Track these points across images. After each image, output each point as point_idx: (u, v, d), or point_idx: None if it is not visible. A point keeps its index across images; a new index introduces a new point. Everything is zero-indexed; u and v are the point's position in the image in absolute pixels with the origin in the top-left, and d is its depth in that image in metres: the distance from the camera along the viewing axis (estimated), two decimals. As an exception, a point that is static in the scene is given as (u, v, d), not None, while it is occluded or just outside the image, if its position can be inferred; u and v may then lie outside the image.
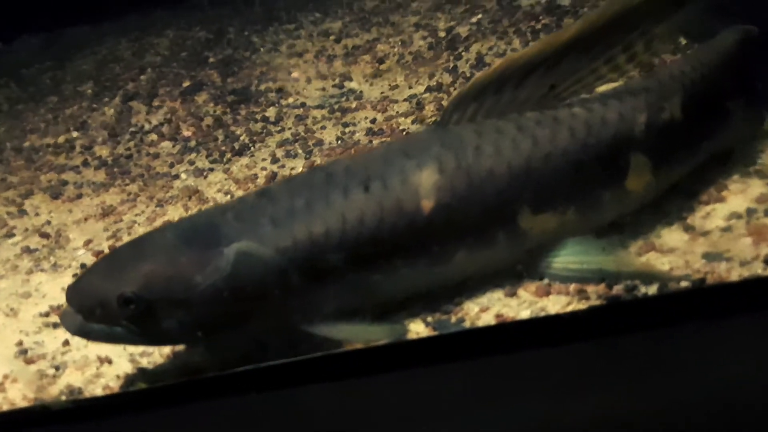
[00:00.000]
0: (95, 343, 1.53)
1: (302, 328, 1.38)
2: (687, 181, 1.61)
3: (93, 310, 1.38)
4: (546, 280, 1.45)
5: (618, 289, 1.39)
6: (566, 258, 1.44)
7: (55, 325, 1.69)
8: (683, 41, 2.25)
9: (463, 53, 2.68)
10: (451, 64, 2.61)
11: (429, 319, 1.45)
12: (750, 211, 1.52)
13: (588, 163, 1.47)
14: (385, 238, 1.40)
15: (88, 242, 1.99)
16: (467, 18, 3.00)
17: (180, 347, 1.55)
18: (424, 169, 1.42)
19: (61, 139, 2.64)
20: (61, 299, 1.77)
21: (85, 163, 2.46)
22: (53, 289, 1.80)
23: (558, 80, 1.48)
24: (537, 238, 1.46)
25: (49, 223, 2.15)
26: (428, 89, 2.49)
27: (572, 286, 1.42)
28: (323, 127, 2.41)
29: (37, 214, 2.21)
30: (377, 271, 1.41)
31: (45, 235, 2.07)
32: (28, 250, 2.00)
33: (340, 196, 1.41)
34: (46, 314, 1.72)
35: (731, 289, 1.33)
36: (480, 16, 2.99)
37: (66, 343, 1.62)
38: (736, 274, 1.34)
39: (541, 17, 2.84)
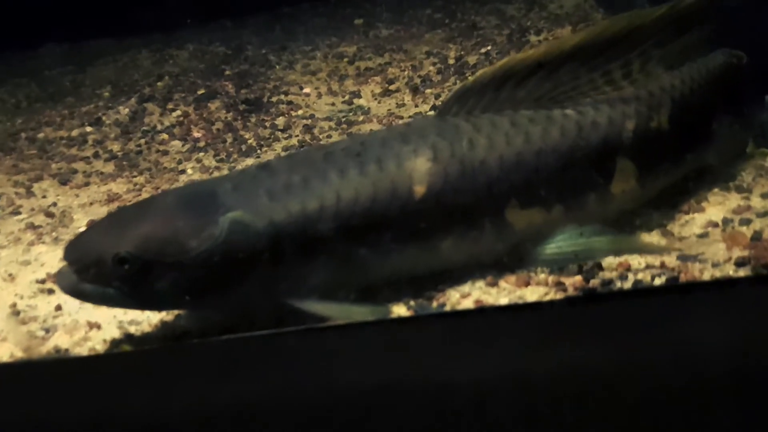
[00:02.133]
0: (88, 304, 1.58)
1: (289, 301, 1.42)
2: (669, 193, 1.67)
3: (88, 268, 1.42)
4: (526, 270, 1.49)
5: (594, 282, 1.44)
6: (549, 246, 1.48)
7: (50, 291, 1.74)
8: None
9: (470, 78, 2.76)
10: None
11: (411, 303, 1.49)
12: (726, 221, 1.59)
13: (576, 163, 1.52)
14: (377, 219, 1.44)
15: (91, 222, 2.05)
16: (477, 49, 3.10)
17: (168, 317, 1.59)
18: (419, 156, 1.47)
19: (74, 133, 2.72)
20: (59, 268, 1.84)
21: (96, 155, 2.54)
22: (52, 259, 1.85)
23: (556, 84, 1.54)
24: (522, 232, 1.51)
25: (55, 204, 2.21)
26: (433, 108, 2.57)
27: (551, 278, 1.47)
28: (329, 137, 2.49)
29: (44, 197, 2.28)
30: (366, 250, 1.45)
31: (50, 215, 2.13)
32: (32, 226, 2.06)
33: (337, 175, 1.46)
34: (43, 281, 1.77)
35: (703, 287, 1.38)
36: (489, 47, 3.09)
37: (58, 308, 1.67)
38: (708, 275, 1.39)
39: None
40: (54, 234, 1.99)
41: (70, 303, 1.68)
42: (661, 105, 1.62)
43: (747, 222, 1.58)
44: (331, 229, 1.42)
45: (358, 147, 1.51)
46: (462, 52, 3.08)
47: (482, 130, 1.51)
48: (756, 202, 1.68)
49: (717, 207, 1.64)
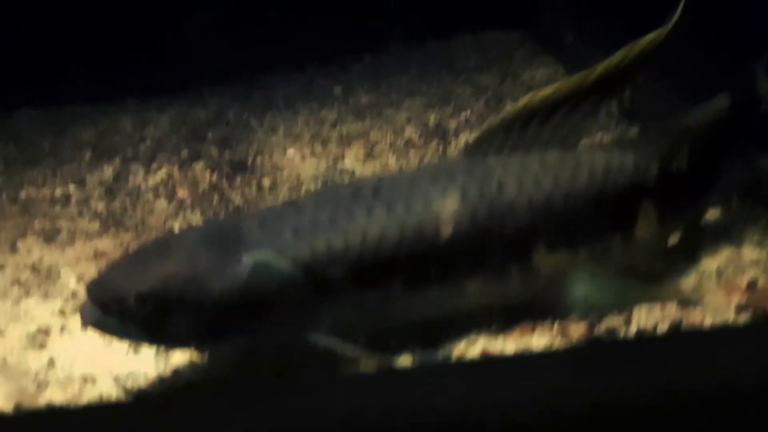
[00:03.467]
0: (81, 359, 1.56)
1: (312, 341, 1.42)
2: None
3: (110, 306, 1.43)
4: (553, 319, 1.49)
5: (599, 330, 1.46)
6: (577, 293, 1.50)
7: (41, 346, 1.70)
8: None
9: (452, 141, 2.84)
10: (440, 150, 2.77)
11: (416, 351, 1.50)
12: (720, 270, 1.64)
13: (603, 206, 1.55)
14: (403, 261, 1.45)
15: (79, 277, 2.02)
16: (456, 115, 3.19)
17: (166, 370, 1.56)
18: (448, 196, 1.49)
19: (57, 192, 2.69)
20: (50, 323, 1.80)
21: (80, 214, 2.52)
22: (42, 313, 1.82)
23: (580, 118, 1.56)
24: (549, 276, 1.52)
25: (41, 261, 2.17)
26: (418, 169, 2.63)
27: (555, 326, 1.48)
28: (317, 197, 2.52)
29: (29, 253, 2.24)
30: (391, 292, 1.46)
31: (36, 271, 2.10)
32: (18, 282, 2.02)
33: (364, 214, 1.47)
34: (33, 336, 1.73)
35: (706, 334, 1.40)
36: (468, 112, 3.18)
37: (51, 362, 1.63)
38: (709, 320, 1.42)
39: (525, 118, 3.04)
40: (42, 288, 1.96)
41: (63, 357, 1.66)
42: (681, 147, 1.64)
43: (741, 271, 1.63)
44: (355, 270, 1.43)
45: (386, 186, 1.52)
46: (441, 118, 3.16)
47: (511, 171, 1.52)
48: (747, 251, 1.73)
49: (709, 257, 1.68)
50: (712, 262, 1.68)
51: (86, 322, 1.48)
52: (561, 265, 1.53)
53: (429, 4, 4.09)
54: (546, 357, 1.42)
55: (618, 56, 1.61)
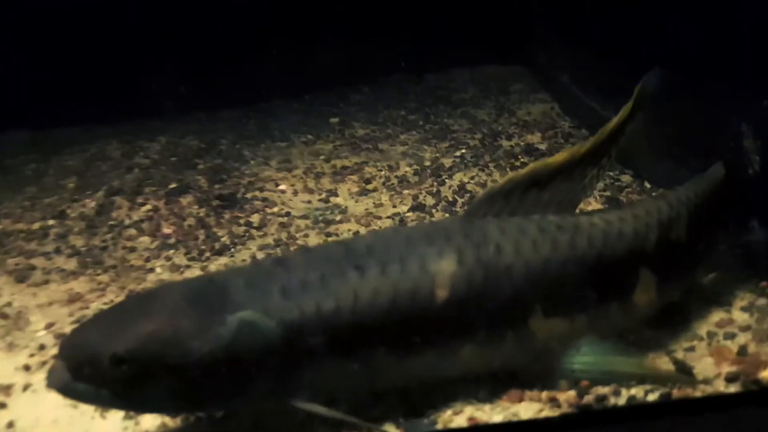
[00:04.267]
0: (44, 421, 1.44)
1: (296, 404, 1.32)
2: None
3: (82, 367, 1.31)
4: (548, 387, 1.42)
5: (588, 398, 1.38)
6: (572, 361, 1.43)
7: (2, 406, 1.57)
8: (647, 185, 2.47)
9: (446, 180, 2.74)
10: (435, 189, 2.65)
11: (401, 420, 1.39)
12: (710, 334, 1.61)
13: (601, 273, 1.49)
14: (396, 323, 1.37)
15: (49, 325, 1.90)
16: (451, 152, 3.10)
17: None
18: (444, 259, 1.41)
19: (35, 226, 2.57)
20: (13, 378, 1.68)
21: (57, 251, 2.39)
22: (6, 368, 1.69)
23: (576, 184, 1.55)
24: (544, 342, 1.44)
25: (9, 304, 2.05)
26: (411, 209, 2.52)
27: (544, 394, 1.40)
28: (306, 235, 2.40)
29: (-1, 295, 2.13)
30: (383, 354, 1.37)
31: (4, 316, 1.98)
32: (-16, 329, 1.90)
33: (356, 274, 1.38)
34: (-6, 392, 1.61)
35: (696, 404, 1.33)
36: (464, 150, 3.09)
37: (10, 425, 1.51)
38: (699, 391, 1.39)
39: (519, 156, 2.96)
40: (8, 338, 1.84)
41: (24, 419, 1.53)
42: (680, 217, 1.62)
43: (731, 336, 1.59)
44: (346, 331, 1.33)
45: (381, 245, 1.44)
46: (437, 154, 3.06)
47: (509, 235, 1.46)
48: (737, 315, 1.70)
49: (700, 320, 1.65)
50: (703, 326, 1.65)
51: (54, 387, 1.35)
52: (557, 332, 1.45)
53: (429, 37, 4.04)
54: (535, 425, 1.33)
55: (599, 134, 1.60)
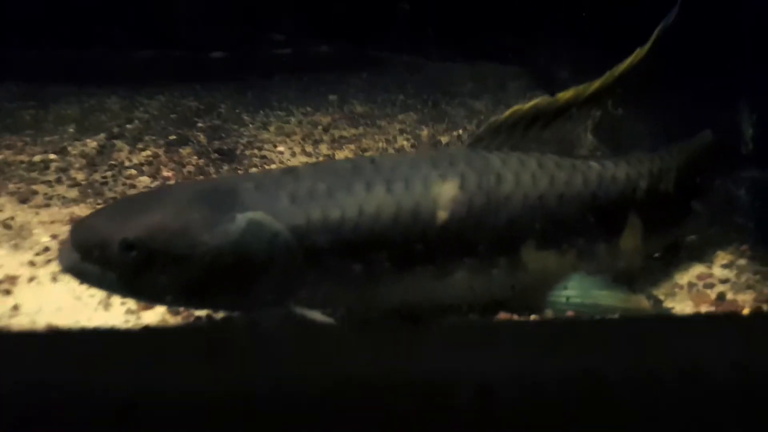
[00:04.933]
0: (47, 306, 1.47)
1: (294, 310, 1.35)
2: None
3: (92, 250, 1.35)
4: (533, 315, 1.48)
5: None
6: (560, 293, 1.51)
7: (6, 292, 1.60)
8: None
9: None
10: (434, 160, 2.73)
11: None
12: (691, 284, 1.72)
13: (594, 212, 1.56)
14: (396, 239, 1.42)
15: (53, 236, 1.93)
16: (449, 132, 3.17)
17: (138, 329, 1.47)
18: (447, 182, 1.47)
19: (37, 158, 2.60)
20: (18, 273, 1.71)
21: (59, 181, 2.43)
22: (10, 262, 1.73)
23: (578, 125, 1.61)
24: (534, 273, 1.51)
25: (12, 218, 2.08)
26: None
27: (532, 317, 1.50)
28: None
29: (1, 211, 2.14)
30: (381, 270, 1.42)
31: (7, 227, 2.01)
32: (-13, 234, 1.93)
33: (362, 188, 1.43)
34: (0, 281, 1.63)
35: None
36: (461, 131, 3.16)
37: (15, 308, 1.53)
38: None
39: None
40: (13, 242, 1.86)
41: (29, 305, 1.56)
42: (670, 171, 1.70)
43: (710, 286, 1.69)
44: (349, 242, 1.38)
45: (387, 165, 1.50)
46: (434, 133, 3.14)
47: (510, 166, 1.53)
48: (717, 271, 1.80)
49: (682, 272, 1.74)
50: (684, 277, 1.73)
51: (63, 266, 1.40)
52: (547, 264, 1.52)
53: (429, 29, 4.13)
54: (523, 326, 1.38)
55: (607, 76, 1.66)
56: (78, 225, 1.44)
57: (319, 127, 3.24)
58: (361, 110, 3.52)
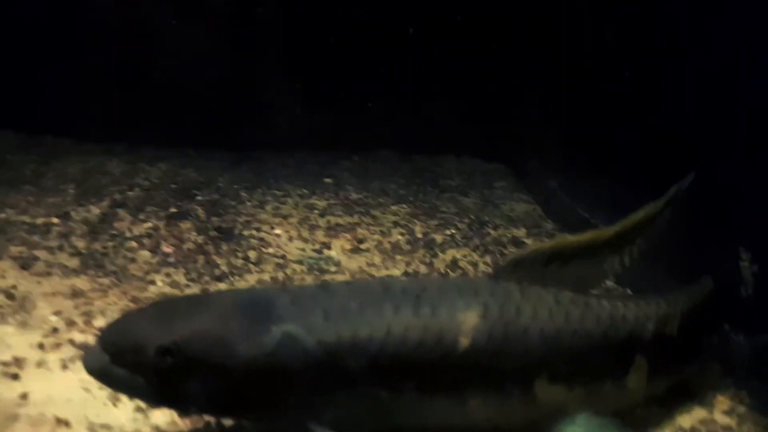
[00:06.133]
0: (58, 398, 1.48)
1: (313, 427, 1.39)
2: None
3: (125, 354, 1.37)
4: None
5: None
6: (575, 429, 1.55)
7: (14, 377, 1.61)
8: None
9: (439, 254, 2.89)
10: (428, 260, 2.80)
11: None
12: (694, 429, 1.77)
13: (604, 350, 1.63)
14: (420, 361, 1.47)
15: (57, 312, 1.95)
16: (441, 230, 3.25)
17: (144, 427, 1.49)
18: (470, 310, 1.54)
19: (39, 221, 2.63)
20: (26, 355, 1.72)
21: (60, 248, 2.45)
22: (20, 342, 1.74)
23: (595, 266, 1.69)
24: (545, 406, 1.56)
25: (15, 287, 2.10)
26: (405, 274, 2.65)
27: None
28: (302, 279, 2.50)
29: (3, 277, 2.16)
30: (402, 391, 1.47)
31: (11, 297, 2.02)
32: (-8, 303, 1.94)
33: (391, 309, 1.49)
34: (7, 364, 1.64)
35: None
36: (453, 231, 3.26)
37: (24, 396, 1.54)
38: None
39: (507, 246, 3.13)
40: (18, 317, 1.88)
41: (38, 393, 1.57)
42: (675, 315, 1.78)
43: None
44: (374, 361, 1.42)
45: (415, 289, 1.57)
46: (428, 230, 3.22)
47: (530, 300, 1.60)
48: (718, 417, 1.87)
49: (683, 415, 1.80)
50: (686, 420, 1.80)
51: (89, 367, 1.41)
52: (558, 398, 1.58)
53: (417, 120, 4.26)
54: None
55: (626, 221, 1.76)
56: (112, 327, 1.46)
57: (315, 212, 3.30)
58: (356, 197, 3.60)
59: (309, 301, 1.49)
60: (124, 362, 1.36)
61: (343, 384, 1.43)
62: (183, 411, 1.51)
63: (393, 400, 1.46)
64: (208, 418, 1.56)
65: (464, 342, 1.51)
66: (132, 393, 1.44)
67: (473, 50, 4.03)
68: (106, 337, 1.42)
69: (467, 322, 1.52)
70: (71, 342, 1.79)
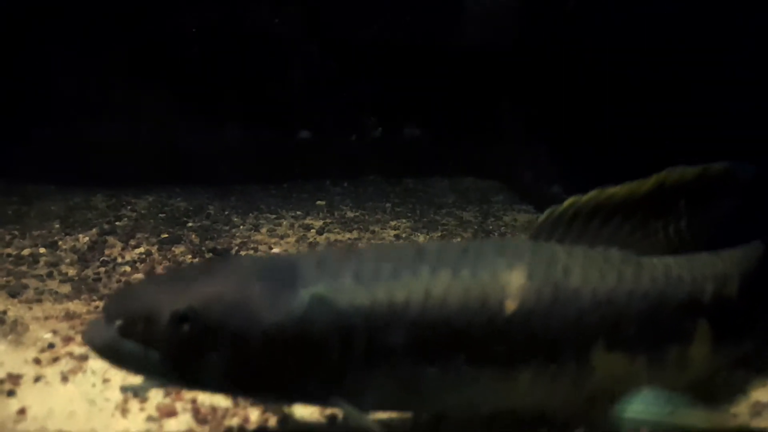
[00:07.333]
0: (59, 410, 1.33)
1: (343, 404, 1.23)
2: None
3: (134, 324, 1.19)
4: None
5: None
6: (631, 406, 1.37)
7: (9, 393, 1.46)
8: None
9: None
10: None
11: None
12: None
13: (664, 313, 1.44)
14: (462, 328, 1.31)
15: (53, 331, 1.79)
16: (446, 239, 3.15)
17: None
18: (515, 270, 1.37)
19: (25, 252, 2.49)
20: (21, 371, 1.58)
21: (50, 275, 2.31)
22: (13, 359, 1.59)
23: (637, 229, 1.51)
24: (602, 379, 1.38)
25: (5, 312, 1.95)
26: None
27: None
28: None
29: (-9, 305, 2.01)
30: (441, 364, 1.30)
31: (1, 321, 1.86)
32: (-19, 328, 1.78)
33: (428, 272, 1.33)
34: (2, 381, 1.49)
35: None
36: (458, 240, 3.15)
37: (21, 411, 1.39)
38: None
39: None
40: (10, 337, 1.73)
41: (36, 408, 1.43)
42: (733, 276, 1.57)
43: None
44: (413, 328, 1.27)
45: (451, 252, 1.40)
46: (431, 240, 3.11)
47: (577, 260, 1.43)
48: None
49: (761, 389, 1.62)
50: (765, 394, 1.62)
51: (93, 343, 1.23)
52: (618, 369, 1.39)
53: (406, 144, 4.20)
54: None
55: (659, 175, 1.56)
56: (117, 296, 1.30)
57: (312, 230, 3.19)
58: (352, 215, 3.49)
59: (337, 264, 1.33)
60: (134, 334, 1.19)
61: (381, 354, 1.27)
62: (201, 388, 1.32)
63: (438, 375, 1.29)
64: (228, 422, 1.41)
65: (510, 305, 1.34)
66: (145, 370, 1.26)
67: (457, 71, 4.03)
68: (111, 305, 1.24)
69: (512, 283, 1.35)
70: (70, 355, 1.64)
